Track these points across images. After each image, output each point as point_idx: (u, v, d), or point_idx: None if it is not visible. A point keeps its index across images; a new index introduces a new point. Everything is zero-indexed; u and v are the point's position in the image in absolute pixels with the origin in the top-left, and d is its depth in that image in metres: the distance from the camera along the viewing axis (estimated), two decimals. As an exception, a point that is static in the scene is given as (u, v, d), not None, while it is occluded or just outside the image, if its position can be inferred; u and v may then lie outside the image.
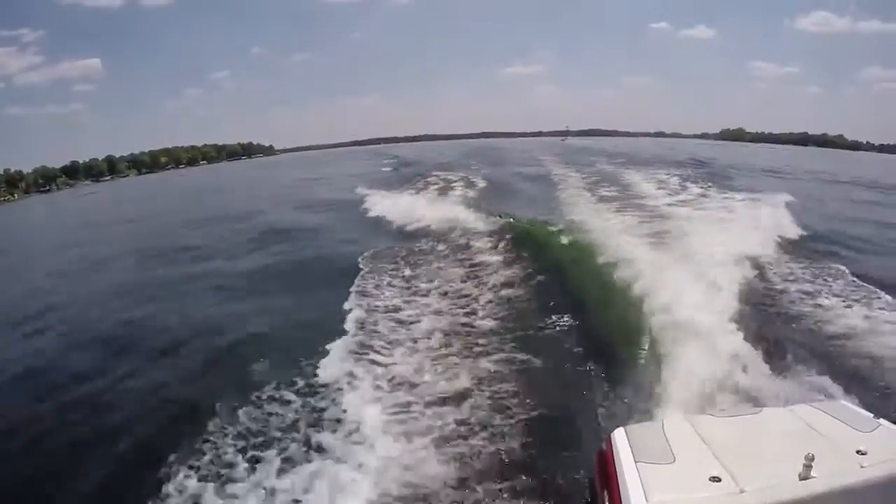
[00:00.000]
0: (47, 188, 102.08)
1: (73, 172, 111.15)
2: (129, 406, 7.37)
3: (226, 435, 6.04)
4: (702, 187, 24.94)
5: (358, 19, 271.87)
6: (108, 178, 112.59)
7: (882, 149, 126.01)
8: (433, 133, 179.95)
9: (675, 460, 2.81)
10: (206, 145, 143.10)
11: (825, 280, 10.52)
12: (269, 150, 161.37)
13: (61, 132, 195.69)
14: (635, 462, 2.81)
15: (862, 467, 2.60)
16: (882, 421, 3.09)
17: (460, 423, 5.84)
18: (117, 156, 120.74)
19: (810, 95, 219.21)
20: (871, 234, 16.63)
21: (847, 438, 2.85)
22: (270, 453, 5.67)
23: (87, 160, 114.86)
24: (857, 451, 2.70)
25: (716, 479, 2.58)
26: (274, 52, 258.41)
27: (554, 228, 13.65)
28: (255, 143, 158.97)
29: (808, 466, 2.50)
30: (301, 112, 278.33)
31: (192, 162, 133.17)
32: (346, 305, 9.80)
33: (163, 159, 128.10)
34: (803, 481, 2.49)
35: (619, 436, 3.12)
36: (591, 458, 3.63)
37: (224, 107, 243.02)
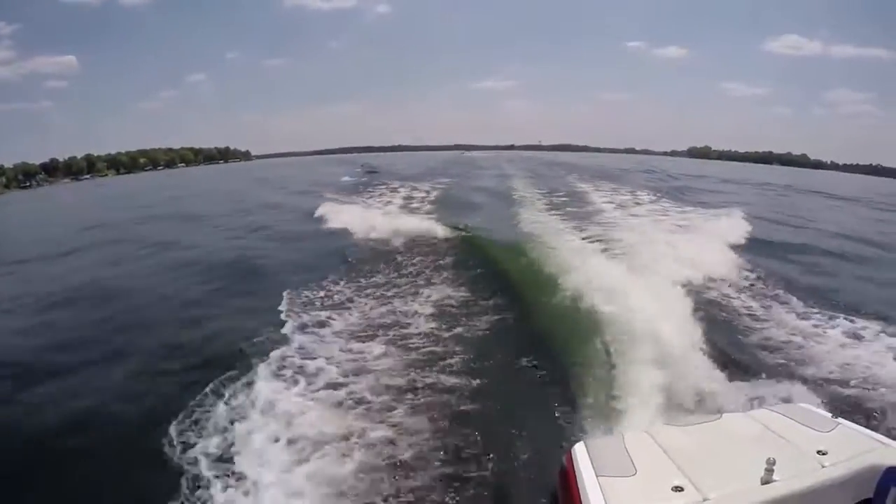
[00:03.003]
0: (28, 184, 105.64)
1: (53, 170, 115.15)
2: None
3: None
4: (657, 199, 26.27)
5: (336, 28, 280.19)
6: (87, 176, 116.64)
7: (845, 168, 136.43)
8: (408, 144, 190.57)
9: (636, 472, 2.85)
10: (183, 148, 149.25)
11: (777, 288, 11.11)
12: (245, 156, 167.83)
13: (32, 129, 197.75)
14: (597, 476, 2.84)
15: (823, 467, 2.71)
16: (840, 420, 3.22)
17: (414, 444, 5.73)
18: (94, 155, 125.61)
19: (778, 116, 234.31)
20: (814, 242, 18.24)
21: (807, 440, 2.96)
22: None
23: (66, 158, 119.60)
24: (818, 452, 2.81)
25: (678, 489, 2.63)
26: (251, 57, 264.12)
27: (508, 241, 13.82)
28: (231, 147, 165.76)
29: (769, 470, 2.58)
30: (277, 119, 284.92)
31: (170, 164, 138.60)
32: (285, 318, 9.66)
33: (141, 160, 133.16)
34: (765, 485, 2.57)
35: (579, 450, 3.15)
36: (553, 474, 3.65)
37: (199, 110, 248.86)
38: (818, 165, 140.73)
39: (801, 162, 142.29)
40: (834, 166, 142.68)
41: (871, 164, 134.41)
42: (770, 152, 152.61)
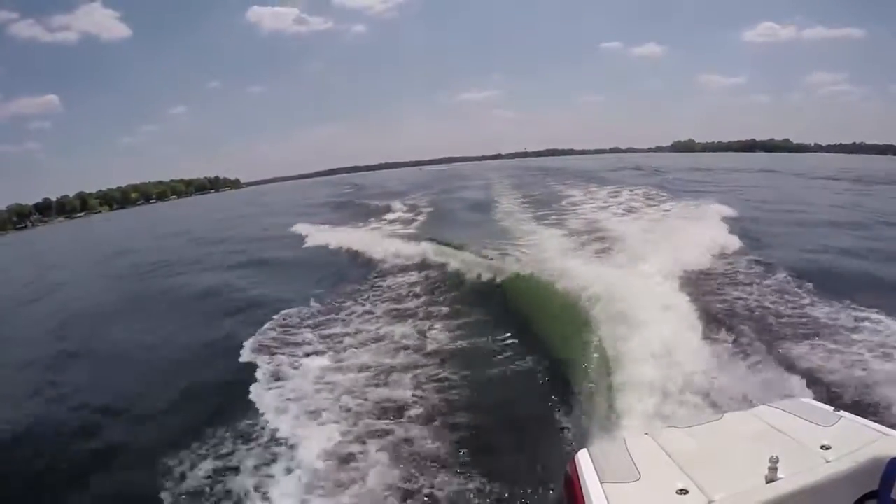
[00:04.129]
0: (23, 225, 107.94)
1: (46, 209, 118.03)
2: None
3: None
4: (643, 195, 26.24)
5: (315, 51, 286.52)
6: (81, 214, 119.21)
7: (829, 148, 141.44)
8: (395, 161, 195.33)
9: (640, 477, 2.88)
10: (173, 180, 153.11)
11: (776, 283, 10.84)
12: (235, 184, 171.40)
13: (21, 170, 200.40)
14: (601, 483, 2.86)
15: (827, 462, 2.73)
16: (843, 413, 3.23)
17: (414, 458, 5.77)
18: (86, 192, 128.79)
19: (759, 103, 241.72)
20: (807, 230, 17.91)
21: (810, 434, 2.98)
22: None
23: (58, 197, 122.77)
24: (822, 447, 2.83)
25: (683, 492, 2.66)
26: (232, 86, 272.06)
27: (496, 250, 13.72)
28: (221, 177, 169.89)
29: (773, 468, 2.61)
30: (262, 145, 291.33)
31: (161, 197, 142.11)
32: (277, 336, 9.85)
33: (133, 195, 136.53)
34: (770, 484, 2.60)
35: (582, 457, 3.15)
36: (557, 482, 3.79)
37: (186, 141, 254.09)
38: (801, 149, 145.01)
39: (785, 147, 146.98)
40: (818, 148, 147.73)
41: (853, 143, 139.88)
42: (753, 140, 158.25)
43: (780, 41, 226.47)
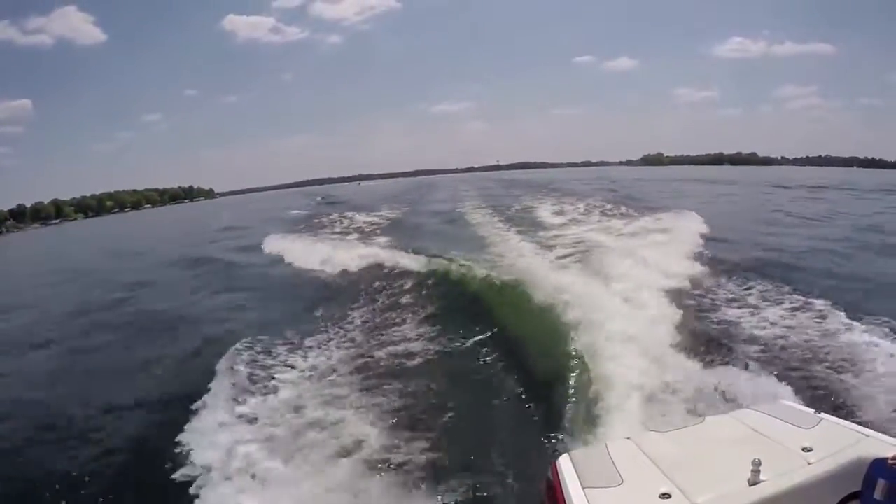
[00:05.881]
0: None
1: (20, 216, 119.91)
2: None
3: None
4: (616, 206, 26.94)
5: (290, 61, 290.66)
6: (55, 221, 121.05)
7: (796, 161, 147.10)
8: (368, 173, 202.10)
9: (622, 482, 2.90)
10: (148, 189, 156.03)
11: (748, 285, 11.11)
12: (209, 194, 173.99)
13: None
14: (583, 488, 2.89)
15: (809, 464, 2.77)
16: (823, 415, 3.28)
17: (396, 467, 5.75)
18: (61, 200, 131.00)
19: (728, 117, 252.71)
20: (782, 235, 18.42)
21: (791, 437, 3.02)
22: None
23: (33, 203, 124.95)
24: (803, 449, 2.88)
25: (666, 496, 2.69)
26: (206, 94, 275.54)
27: (471, 261, 13.96)
28: (195, 186, 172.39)
29: (755, 471, 2.65)
30: (237, 155, 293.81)
31: (136, 205, 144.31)
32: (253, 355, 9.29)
33: (108, 203, 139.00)
34: (753, 486, 2.64)
35: (564, 462, 3.20)
36: (539, 488, 3.63)
37: (160, 149, 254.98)
38: (768, 162, 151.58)
39: (752, 160, 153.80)
40: (784, 161, 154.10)
41: (820, 156, 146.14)
42: (721, 153, 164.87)
43: (751, 56, 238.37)
